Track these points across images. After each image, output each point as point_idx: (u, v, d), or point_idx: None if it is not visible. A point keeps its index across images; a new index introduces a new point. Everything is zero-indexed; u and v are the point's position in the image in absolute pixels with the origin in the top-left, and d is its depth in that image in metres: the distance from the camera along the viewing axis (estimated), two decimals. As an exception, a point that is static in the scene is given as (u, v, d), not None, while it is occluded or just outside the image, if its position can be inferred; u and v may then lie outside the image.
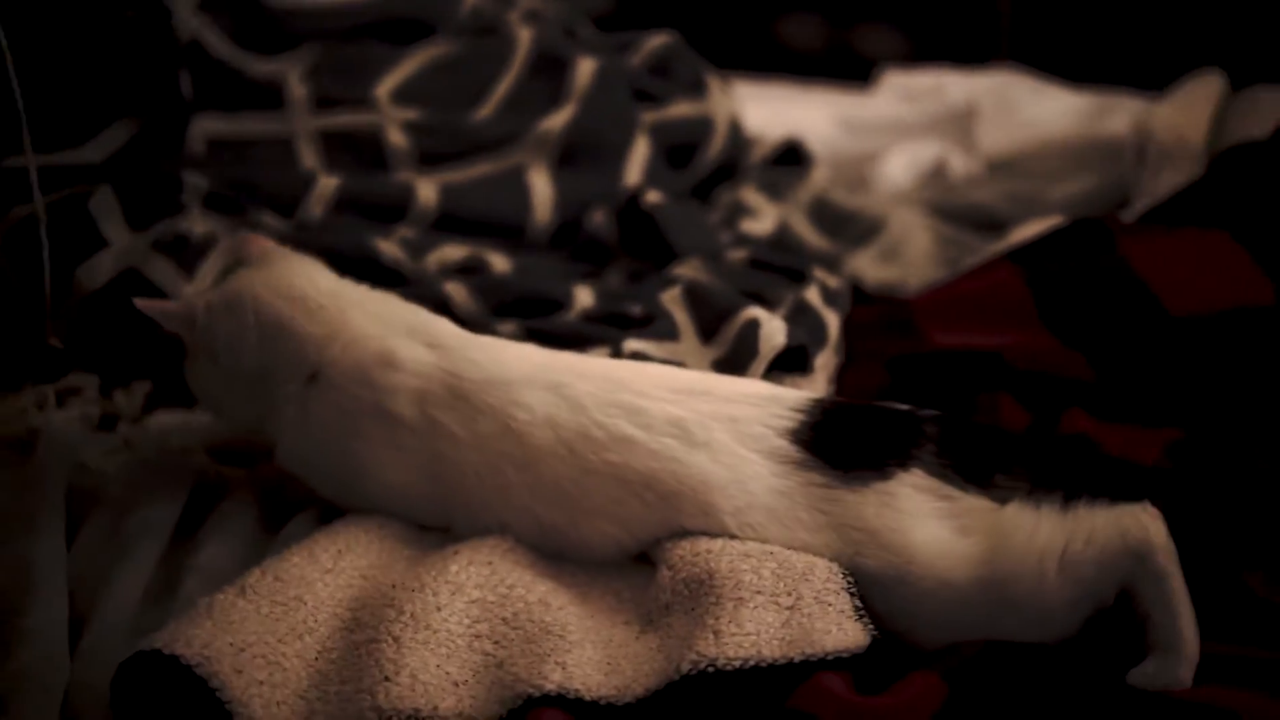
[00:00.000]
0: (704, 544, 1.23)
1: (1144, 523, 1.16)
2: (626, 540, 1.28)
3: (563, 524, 1.29)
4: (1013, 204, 2.30)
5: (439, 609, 1.19)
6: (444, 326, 1.41)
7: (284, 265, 1.44)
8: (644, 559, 1.28)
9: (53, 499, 1.40)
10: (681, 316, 1.70)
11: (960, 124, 2.70)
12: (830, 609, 1.16)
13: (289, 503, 1.43)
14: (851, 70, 3.37)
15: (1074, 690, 1.12)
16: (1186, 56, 2.64)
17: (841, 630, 1.14)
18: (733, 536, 1.24)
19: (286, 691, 1.14)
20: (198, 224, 1.76)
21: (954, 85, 2.95)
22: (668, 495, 1.25)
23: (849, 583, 1.19)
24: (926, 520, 1.20)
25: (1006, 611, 1.17)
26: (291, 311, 1.38)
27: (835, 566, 1.20)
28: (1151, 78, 2.68)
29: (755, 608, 1.16)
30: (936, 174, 2.56)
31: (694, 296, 1.71)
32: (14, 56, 1.72)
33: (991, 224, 2.23)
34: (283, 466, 1.41)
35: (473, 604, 1.21)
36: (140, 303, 1.40)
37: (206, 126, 1.91)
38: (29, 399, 1.63)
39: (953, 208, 2.30)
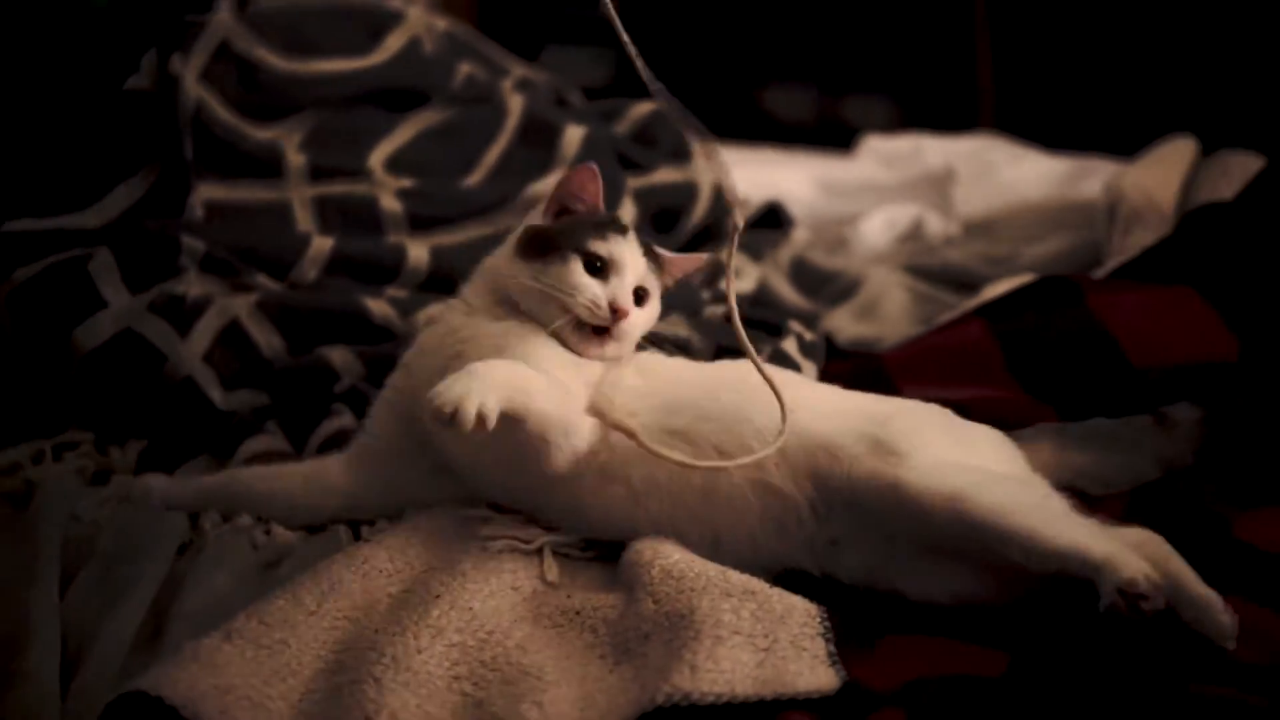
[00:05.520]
0: (689, 579, 1.26)
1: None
2: None
3: None
4: (988, 264, 2.32)
5: (419, 651, 1.21)
6: None
7: None
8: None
9: (47, 549, 1.42)
10: None
11: (938, 187, 2.73)
12: (805, 653, 1.19)
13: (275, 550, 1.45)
14: (841, 139, 3.43)
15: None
16: (1162, 122, 2.68)
17: (814, 673, 1.17)
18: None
19: (271, 733, 1.16)
20: (194, 286, 1.77)
21: (932, 150, 2.99)
22: None
23: (825, 627, 1.22)
24: None
25: None
26: None
27: (814, 609, 1.24)
28: (1128, 143, 2.71)
29: (733, 646, 1.18)
30: (913, 235, 2.60)
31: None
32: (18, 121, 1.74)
33: (967, 284, 2.25)
34: None
35: (452, 647, 1.23)
36: None
37: (205, 192, 1.90)
38: (26, 453, 1.65)
39: (928, 268, 2.33)
